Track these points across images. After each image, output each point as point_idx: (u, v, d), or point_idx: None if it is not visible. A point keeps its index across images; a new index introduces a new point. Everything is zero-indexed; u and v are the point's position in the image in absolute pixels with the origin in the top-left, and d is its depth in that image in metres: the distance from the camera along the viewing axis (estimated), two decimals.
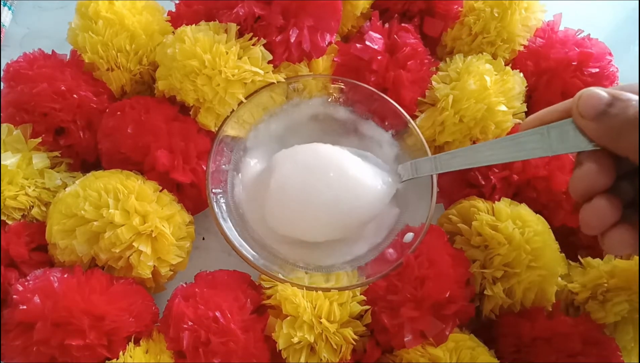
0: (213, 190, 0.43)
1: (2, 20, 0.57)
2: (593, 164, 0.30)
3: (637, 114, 0.28)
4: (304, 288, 0.39)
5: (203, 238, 0.49)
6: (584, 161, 0.30)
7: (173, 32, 0.48)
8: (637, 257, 0.42)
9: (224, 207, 0.44)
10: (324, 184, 0.43)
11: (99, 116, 0.46)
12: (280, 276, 0.40)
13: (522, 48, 0.52)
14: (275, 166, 0.44)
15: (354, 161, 0.45)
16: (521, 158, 0.35)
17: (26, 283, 0.38)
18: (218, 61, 0.43)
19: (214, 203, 0.43)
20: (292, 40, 0.45)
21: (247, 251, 0.42)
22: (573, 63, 0.49)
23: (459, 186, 0.49)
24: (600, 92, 0.30)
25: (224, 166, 0.46)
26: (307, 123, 0.50)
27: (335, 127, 0.50)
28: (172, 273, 0.43)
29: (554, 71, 0.50)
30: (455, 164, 0.39)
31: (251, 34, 0.45)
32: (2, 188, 0.41)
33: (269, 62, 0.45)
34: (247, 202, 0.47)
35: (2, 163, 0.41)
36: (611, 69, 0.50)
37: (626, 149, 0.29)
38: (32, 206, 0.43)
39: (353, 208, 0.43)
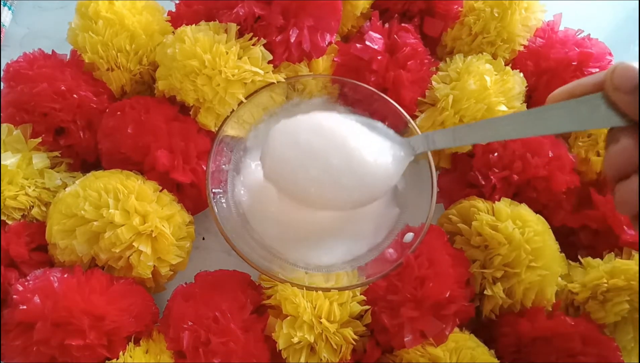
0: (213, 190, 0.43)
1: (2, 20, 0.57)
2: (630, 139, 0.28)
3: None
4: (304, 288, 0.39)
5: (203, 238, 0.49)
6: (620, 137, 0.29)
7: (173, 32, 0.48)
8: (637, 257, 0.42)
9: (224, 207, 0.44)
10: (326, 171, 0.40)
11: (99, 116, 0.46)
12: (280, 276, 0.40)
13: (522, 48, 0.52)
14: (273, 144, 0.41)
15: (360, 137, 0.41)
16: (546, 132, 0.32)
17: (26, 283, 0.38)
18: (218, 61, 0.43)
19: (214, 203, 0.43)
20: (292, 40, 0.45)
21: (247, 251, 0.42)
22: (573, 63, 0.49)
23: (459, 186, 0.49)
24: (637, 64, 0.28)
25: (224, 166, 0.46)
26: None
27: None
28: (172, 273, 0.43)
29: (554, 71, 0.50)
30: (474, 138, 0.37)
31: (251, 34, 0.45)
32: (2, 188, 0.41)
33: (269, 62, 0.45)
34: (247, 202, 0.47)
35: (2, 163, 0.41)
36: None
37: None
38: (32, 206, 0.43)
39: (358, 187, 0.40)
